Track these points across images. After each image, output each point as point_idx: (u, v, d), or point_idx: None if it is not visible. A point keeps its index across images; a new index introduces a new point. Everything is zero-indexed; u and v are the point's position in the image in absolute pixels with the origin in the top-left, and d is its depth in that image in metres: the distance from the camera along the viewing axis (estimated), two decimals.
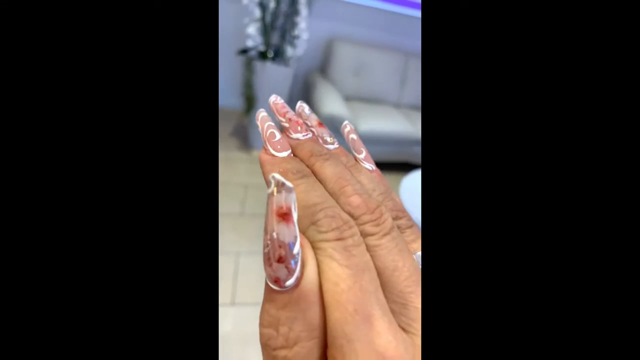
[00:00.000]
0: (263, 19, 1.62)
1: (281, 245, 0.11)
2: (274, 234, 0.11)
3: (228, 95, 2.20)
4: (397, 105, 2.28)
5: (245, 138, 2.00)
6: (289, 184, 0.12)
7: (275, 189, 0.12)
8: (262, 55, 1.69)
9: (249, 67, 1.74)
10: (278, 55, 1.72)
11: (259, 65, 1.69)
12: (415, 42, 2.33)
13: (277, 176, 0.12)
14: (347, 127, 0.18)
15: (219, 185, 1.55)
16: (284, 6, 1.64)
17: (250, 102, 1.81)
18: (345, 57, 2.10)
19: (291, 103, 0.17)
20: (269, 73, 1.69)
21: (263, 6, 1.60)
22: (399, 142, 1.96)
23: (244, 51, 1.71)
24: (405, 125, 1.99)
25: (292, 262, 0.11)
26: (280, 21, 1.68)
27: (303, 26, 1.66)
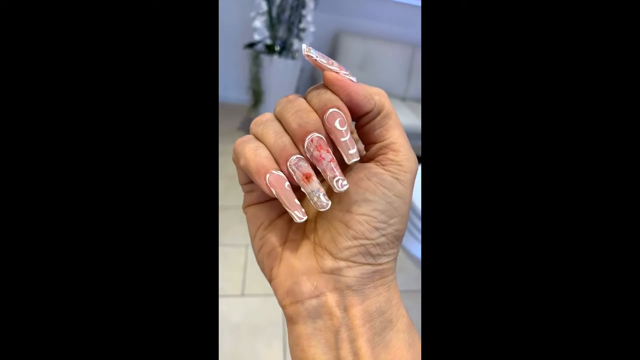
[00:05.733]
0: (270, 12, 1.62)
1: (341, 67, 0.17)
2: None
3: (235, 89, 2.21)
4: (404, 99, 2.27)
5: None
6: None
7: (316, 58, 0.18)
8: (269, 49, 1.69)
9: (255, 61, 1.74)
10: (285, 48, 1.72)
11: (265, 59, 1.69)
12: None
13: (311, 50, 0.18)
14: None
15: (227, 179, 1.57)
16: None
17: (257, 96, 1.81)
18: (351, 51, 2.09)
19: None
20: (276, 67, 1.69)
21: None
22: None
23: (251, 45, 1.71)
24: (411, 118, 1.98)
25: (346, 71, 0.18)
26: (286, 14, 1.67)
27: (309, 19, 1.65)
